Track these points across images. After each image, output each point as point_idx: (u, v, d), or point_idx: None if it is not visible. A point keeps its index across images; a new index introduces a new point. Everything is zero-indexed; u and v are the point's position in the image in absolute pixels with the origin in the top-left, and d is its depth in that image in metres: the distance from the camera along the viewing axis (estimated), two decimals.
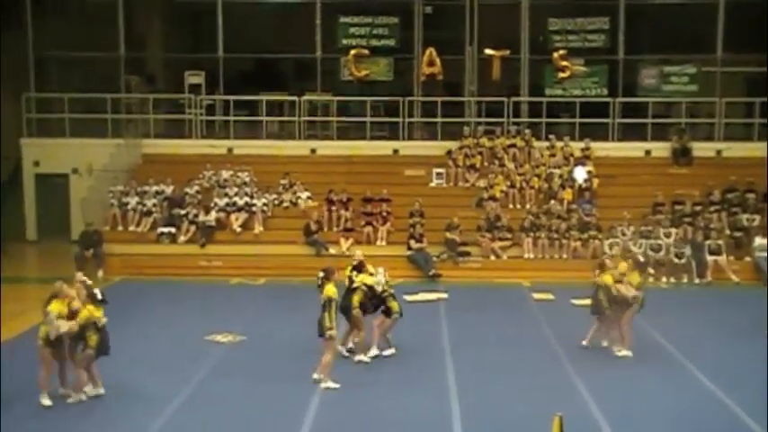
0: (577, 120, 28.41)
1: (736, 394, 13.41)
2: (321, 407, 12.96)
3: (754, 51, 28.35)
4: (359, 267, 15.63)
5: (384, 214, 24.83)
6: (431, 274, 23.09)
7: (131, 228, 24.99)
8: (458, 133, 28.06)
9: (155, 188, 25.78)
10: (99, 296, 13.30)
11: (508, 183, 26.11)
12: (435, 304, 20.12)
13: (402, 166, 27.44)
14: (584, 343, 16.13)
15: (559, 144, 27.37)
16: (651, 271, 22.57)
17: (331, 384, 13.69)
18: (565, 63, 28.64)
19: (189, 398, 13.39)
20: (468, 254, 23.91)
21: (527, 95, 29.16)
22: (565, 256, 23.85)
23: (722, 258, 23.22)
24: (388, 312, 15.51)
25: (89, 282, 13.72)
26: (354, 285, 15.27)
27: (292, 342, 16.13)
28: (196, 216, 24.68)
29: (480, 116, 29.04)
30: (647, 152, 27.97)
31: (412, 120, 28.96)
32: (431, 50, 28.85)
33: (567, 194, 25.61)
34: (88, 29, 29.97)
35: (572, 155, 27.00)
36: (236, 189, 25.63)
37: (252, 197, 25.43)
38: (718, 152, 27.71)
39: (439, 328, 17.92)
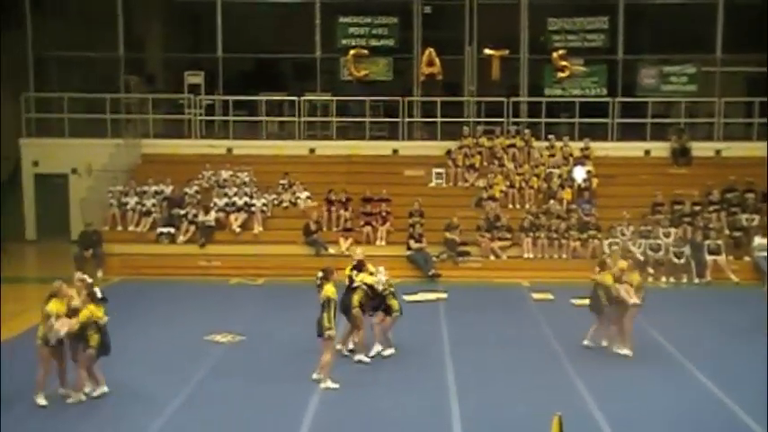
0: (577, 119, 28.43)
1: (735, 394, 13.41)
2: (321, 407, 12.96)
3: (753, 51, 28.36)
4: (359, 266, 15.63)
5: (383, 214, 24.83)
6: (430, 274, 23.09)
7: (131, 228, 25.00)
8: (457, 133, 28.07)
9: (154, 188, 25.78)
10: (99, 295, 13.30)
11: (507, 183, 26.12)
12: (435, 304, 20.12)
13: (401, 166, 27.44)
14: (585, 342, 16.13)
15: (559, 144, 27.38)
16: (651, 271, 22.60)
17: (330, 384, 13.69)
18: (564, 63, 28.65)
19: (188, 398, 13.39)
20: (467, 254, 23.91)
21: (526, 95, 29.17)
22: (564, 255, 23.85)
23: (721, 258, 23.22)
24: (388, 311, 15.52)
25: (89, 279, 13.73)
26: (354, 285, 15.27)
27: (292, 342, 16.12)
28: (195, 216, 24.68)
29: (480, 116, 29.05)
30: (647, 152, 27.99)
31: (411, 120, 28.97)
32: (430, 50, 28.86)
33: (567, 194, 25.61)
34: (87, 29, 29.98)
35: (571, 155, 27.01)
36: (235, 189, 25.63)
37: (251, 197, 25.43)
38: (718, 152, 27.73)
39: (438, 328, 17.92)
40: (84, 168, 27.79)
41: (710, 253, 23.25)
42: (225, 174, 26.40)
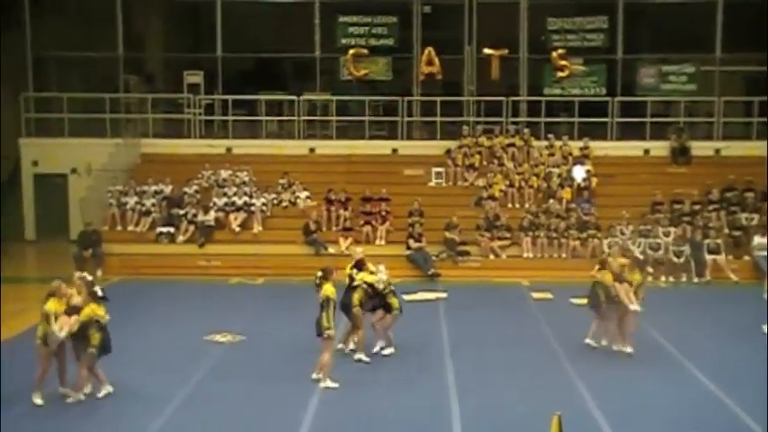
0: (576, 119, 28.44)
1: (735, 393, 13.40)
2: (320, 406, 12.95)
3: (752, 50, 28.39)
4: (359, 265, 15.62)
5: (383, 213, 24.83)
6: (430, 273, 23.09)
7: (130, 227, 24.99)
8: (457, 132, 28.08)
9: (153, 188, 25.77)
10: (100, 293, 13.29)
11: (507, 182, 26.12)
12: (434, 304, 20.12)
13: (401, 166, 27.45)
14: (587, 340, 16.10)
15: (558, 143, 27.38)
16: (650, 270, 22.55)
17: (330, 384, 13.69)
18: (563, 62, 28.67)
19: (188, 398, 13.38)
20: (467, 253, 23.91)
21: (526, 95, 29.19)
22: (564, 255, 23.86)
23: (721, 257, 23.23)
24: (388, 309, 15.53)
25: (90, 277, 13.73)
26: (355, 284, 15.27)
27: (291, 342, 16.11)
28: (195, 216, 24.67)
29: (479, 115, 29.06)
30: (646, 151, 27.99)
31: (411, 119, 28.98)
32: (429, 50, 28.87)
33: (566, 193, 25.61)
34: (87, 28, 29.96)
35: (571, 154, 27.02)
36: (234, 189, 25.63)
37: (251, 197, 25.43)
38: (717, 151, 27.73)
39: (438, 327, 17.92)
40: (83, 168, 27.79)
41: (710, 252, 23.25)
42: (224, 173, 26.40)
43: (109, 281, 21.83)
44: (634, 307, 15.37)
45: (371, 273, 15.48)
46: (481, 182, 26.27)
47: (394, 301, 15.56)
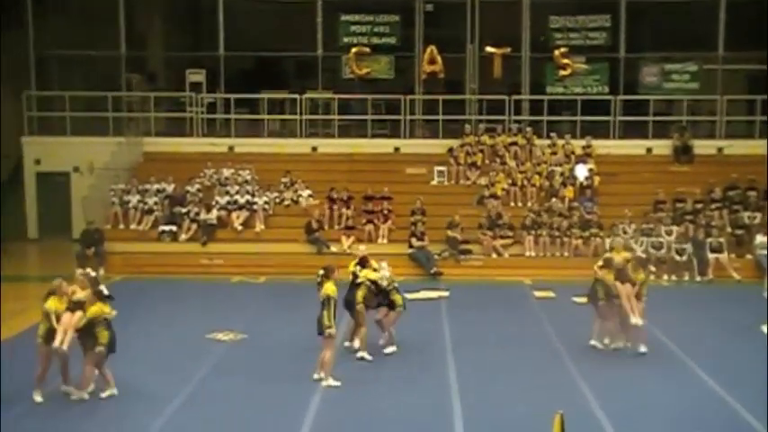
0: (579, 117, 28.41)
1: (737, 392, 13.38)
2: (322, 405, 12.95)
3: (755, 49, 28.33)
4: (363, 262, 15.62)
5: (385, 212, 24.83)
6: (432, 272, 23.08)
7: (132, 226, 25.00)
8: (459, 131, 28.05)
9: (156, 186, 25.78)
10: (105, 292, 13.28)
11: (509, 181, 26.10)
12: (436, 302, 20.10)
13: (403, 164, 27.44)
14: (591, 342, 15.95)
15: (561, 142, 27.35)
16: (652, 269, 22.52)
17: (332, 382, 13.69)
18: (566, 61, 28.64)
19: (190, 396, 13.38)
20: (469, 252, 23.89)
21: (528, 93, 29.18)
22: (566, 253, 23.84)
23: (723, 256, 23.19)
24: (391, 305, 15.52)
25: (93, 273, 13.71)
26: (359, 281, 15.27)
27: (293, 340, 16.11)
28: (197, 214, 24.68)
29: (481, 114, 29.05)
30: (649, 150, 27.96)
31: (413, 118, 28.97)
32: (432, 48, 28.85)
33: (569, 192, 25.60)
34: (89, 27, 29.98)
35: (573, 152, 27.00)
36: (237, 187, 25.62)
37: (253, 195, 25.42)
38: (720, 150, 27.71)
39: (440, 326, 17.91)
40: (85, 167, 27.80)
41: (712, 251, 23.22)
42: (226, 172, 26.41)
43: (111, 279, 21.84)
44: (635, 320, 15.29)
45: (375, 270, 15.49)
46: (483, 180, 26.25)
47: (397, 298, 15.58)
